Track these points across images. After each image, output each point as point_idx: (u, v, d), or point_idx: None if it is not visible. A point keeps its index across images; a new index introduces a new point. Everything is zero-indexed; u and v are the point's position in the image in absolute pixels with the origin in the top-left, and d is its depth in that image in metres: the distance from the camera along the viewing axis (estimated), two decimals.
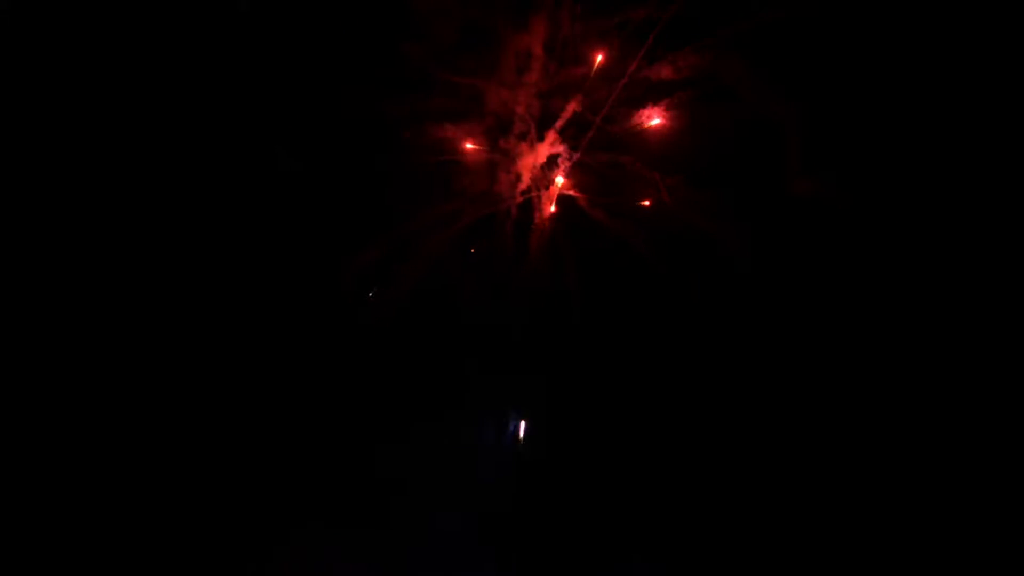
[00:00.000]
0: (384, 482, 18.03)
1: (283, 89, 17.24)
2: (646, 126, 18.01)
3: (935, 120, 16.54)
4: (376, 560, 17.17)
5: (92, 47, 16.48)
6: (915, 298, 17.55)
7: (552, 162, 18.46)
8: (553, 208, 18.51)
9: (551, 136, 18.29)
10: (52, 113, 16.52)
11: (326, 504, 17.79)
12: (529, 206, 18.68)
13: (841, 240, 17.58)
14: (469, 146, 18.08)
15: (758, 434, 18.57)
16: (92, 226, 16.74)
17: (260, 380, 17.61)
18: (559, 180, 18.42)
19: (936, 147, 16.70)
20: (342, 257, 18.14)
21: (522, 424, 18.93)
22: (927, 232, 17.15)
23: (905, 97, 16.65)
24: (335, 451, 18.06)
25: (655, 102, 17.86)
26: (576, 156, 18.36)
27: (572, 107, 17.99)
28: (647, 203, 18.25)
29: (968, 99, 16.37)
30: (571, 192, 18.56)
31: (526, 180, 18.52)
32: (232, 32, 17.37)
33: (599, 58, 17.45)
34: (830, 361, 18.00)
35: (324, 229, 18.08)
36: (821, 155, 17.14)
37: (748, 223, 18.05)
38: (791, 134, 17.17)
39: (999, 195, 16.57)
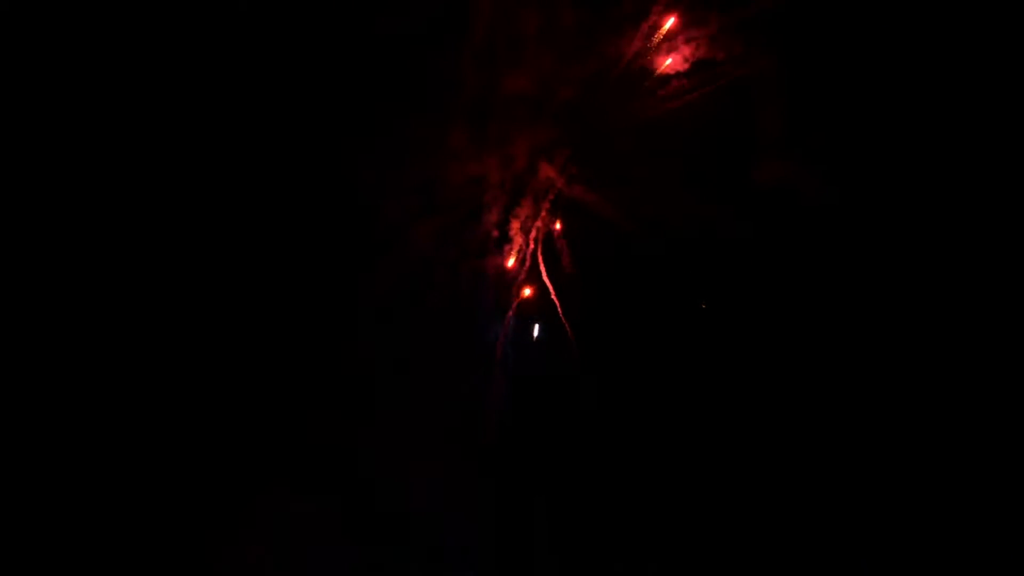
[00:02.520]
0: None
1: (271, 84, 17.31)
2: (642, 113, 17.98)
3: (921, 115, 16.60)
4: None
5: (92, 47, 16.67)
6: (896, 289, 17.51)
7: (545, 148, 18.32)
8: (548, 195, 18.35)
9: (545, 121, 18.18)
10: (52, 113, 16.72)
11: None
12: (520, 192, 18.54)
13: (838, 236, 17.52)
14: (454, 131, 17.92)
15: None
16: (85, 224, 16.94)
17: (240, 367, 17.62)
18: (553, 167, 18.27)
19: (921, 142, 16.73)
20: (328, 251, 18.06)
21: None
22: (908, 224, 17.15)
23: (892, 91, 16.69)
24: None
25: (651, 89, 17.82)
26: (570, 142, 18.28)
27: (567, 92, 17.94)
28: (641, 191, 18.16)
29: (953, 96, 16.42)
30: (565, 179, 18.39)
31: (518, 165, 18.37)
32: (232, 32, 17.46)
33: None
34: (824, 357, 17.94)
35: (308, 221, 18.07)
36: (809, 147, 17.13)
37: (746, 215, 17.93)
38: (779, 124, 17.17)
39: (981, 189, 16.66)
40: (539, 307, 18.87)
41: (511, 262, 18.67)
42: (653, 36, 17.83)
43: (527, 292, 18.84)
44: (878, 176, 17.11)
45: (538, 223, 18.51)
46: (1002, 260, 16.57)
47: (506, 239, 18.64)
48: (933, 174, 16.83)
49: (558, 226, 18.69)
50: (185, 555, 16.40)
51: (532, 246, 18.62)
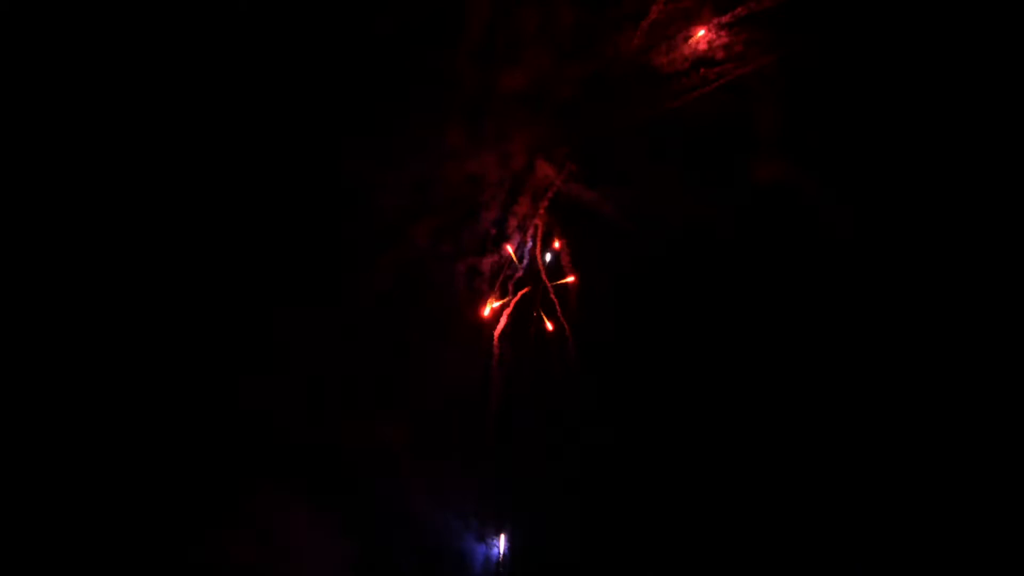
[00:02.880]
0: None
1: (270, 84, 17.42)
2: (641, 111, 17.94)
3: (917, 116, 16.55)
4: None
5: (92, 47, 16.80)
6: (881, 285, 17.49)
7: (544, 146, 18.29)
8: (547, 193, 18.29)
9: (543, 119, 18.14)
10: (51, 113, 16.87)
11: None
12: (519, 190, 18.49)
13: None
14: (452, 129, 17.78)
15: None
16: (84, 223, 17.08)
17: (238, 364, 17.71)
18: (551, 165, 18.21)
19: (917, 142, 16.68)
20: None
21: None
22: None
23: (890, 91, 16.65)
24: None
25: (651, 88, 17.81)
26: (569, 140, 18.25)
27: (566, 91, 17.87)
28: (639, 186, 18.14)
29: (950, 96, 16.39)
30: (564, 177, 18.32)
31: (517, 163, 18.29)
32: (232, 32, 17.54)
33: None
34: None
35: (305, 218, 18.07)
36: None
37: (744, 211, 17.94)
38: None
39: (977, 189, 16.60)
40: (538, 305, 18.84)
41: (509, 260, 18.69)
42: (652, 34, 17.81)
43: (525, 290, 18.81)
44: (874, 175, 17.07)
45: (536, 221, 18.49)
46: (999, 260, 16.49)
47: (504, 237, 18.65)
48: (929, 174, 16.79)
49: (557, 224, 18.64)
50: (179, 554, 16.44)
51: (530, 244, 18.61)
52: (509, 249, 18.57)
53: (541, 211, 18.38)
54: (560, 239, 18.74)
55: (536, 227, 18.49)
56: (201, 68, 17.16)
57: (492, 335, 18.74)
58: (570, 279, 18.68)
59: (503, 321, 18.69)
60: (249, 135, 17.46)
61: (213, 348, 17.38)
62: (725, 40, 17.37)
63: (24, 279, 16.62)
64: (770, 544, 17.90)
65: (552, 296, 18.74)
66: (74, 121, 16.91)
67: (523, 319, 18.85)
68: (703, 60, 17.61)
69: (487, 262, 18.62)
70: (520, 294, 18.71)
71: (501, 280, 18.67)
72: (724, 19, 17.44)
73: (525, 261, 18.64)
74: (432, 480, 18.00)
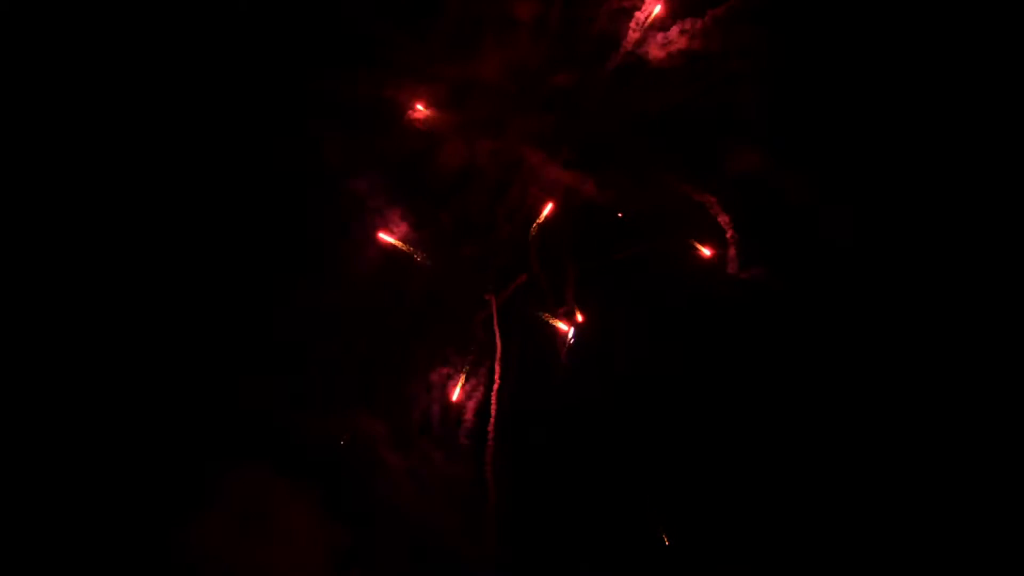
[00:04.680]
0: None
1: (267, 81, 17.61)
2: (634, 102, 18.07)
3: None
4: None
5: (91, 47, 17.25)
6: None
7: (535, 134, 18.14)
8: (538, 181, 18.21)
9: (535, 107, 18.11)
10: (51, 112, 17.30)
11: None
12: (509, 179, 18.37)
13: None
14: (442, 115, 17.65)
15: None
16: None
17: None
18: (542, 152, 18.08)
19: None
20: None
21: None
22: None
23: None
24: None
25: (645, 79, 17.93)
26: (561, 129, 18.17)
27: (559, 79, 17.89)
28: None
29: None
30: (554, 165, 18.20)
31: (508, 150, 18.12)
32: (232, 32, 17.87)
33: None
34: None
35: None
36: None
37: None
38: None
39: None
40: (529, 295, 18.66)
41: (499, 250, 18.52)
42: (645, 26, 17.84)
43: (523, 278, 18.67)
44: (873, 172, 17.14)
45: (527, 210, 18.38)
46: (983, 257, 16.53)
47: (495, 227, 18.44)
48: (927, 172, 16.89)
49: (547, 212, 18.45)
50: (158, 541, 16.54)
51: (520, 232, 18.48)
52: (499, 239, 18.47)
53: (532, 200, 18.31)
54: (551, 227, 18.59)
55: (527, 217, 18.38)
56: (185, 62, 17.40)
57: (479, 324, 18.56)
58: (562, 268, 18.55)
59: (493, 313, 18.53)
60: (235, 130, 17.51)
61: (195, 339, 17.46)
62: (718, 34, 17.43)
63: (19, 276, 17.04)
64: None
65: (544, 285, 18.58)
66: (63, 117, 17.07)
67: (512, 308, 18.66)
68: (697, 55, 17.67)
69: (477, 251, 18.48)
70: (513, 287, 18.58)
71: (491, 271, 18.59)
72: (718, 14, 17.53)
73: (516, 250, 18.51)
74: (418, 475, 17.90)
